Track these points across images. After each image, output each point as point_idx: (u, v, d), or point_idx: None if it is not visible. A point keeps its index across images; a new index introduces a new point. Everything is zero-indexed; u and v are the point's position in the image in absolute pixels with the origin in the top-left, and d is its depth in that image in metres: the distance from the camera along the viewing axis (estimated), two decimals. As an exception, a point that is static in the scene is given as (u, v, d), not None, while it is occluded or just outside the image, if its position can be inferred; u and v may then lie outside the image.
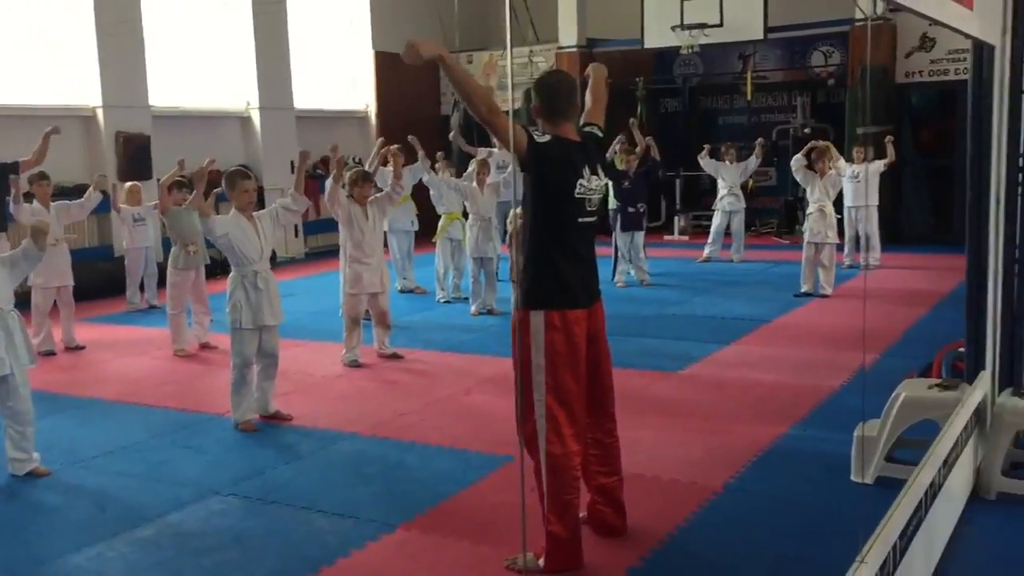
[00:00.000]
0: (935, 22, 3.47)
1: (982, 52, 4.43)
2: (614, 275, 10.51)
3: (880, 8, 2.68)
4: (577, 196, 3.65)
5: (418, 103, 15.69)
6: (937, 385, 4.53)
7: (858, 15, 12.21)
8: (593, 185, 3.70)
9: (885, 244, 11.25)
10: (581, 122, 4.00)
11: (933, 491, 3.48)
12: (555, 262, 3.65)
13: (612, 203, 10.34)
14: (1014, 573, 3.67)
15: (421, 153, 9.58)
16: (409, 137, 9.57)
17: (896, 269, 10.87)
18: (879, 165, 10.68)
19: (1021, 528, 3.98)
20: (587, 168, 3.69)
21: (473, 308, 9.04)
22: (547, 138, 3.62)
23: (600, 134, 4.01)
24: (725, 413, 5.72)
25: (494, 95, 15.91)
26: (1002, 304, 4.59)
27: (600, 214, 4.50)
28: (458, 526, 4.12)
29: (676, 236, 14.90)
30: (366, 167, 8.79)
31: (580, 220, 3.69)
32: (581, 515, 3.90)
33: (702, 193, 15.25)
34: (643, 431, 5.30)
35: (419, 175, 9.68)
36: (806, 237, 9.52)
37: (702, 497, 4.37)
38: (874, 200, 10.85)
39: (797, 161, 9.71)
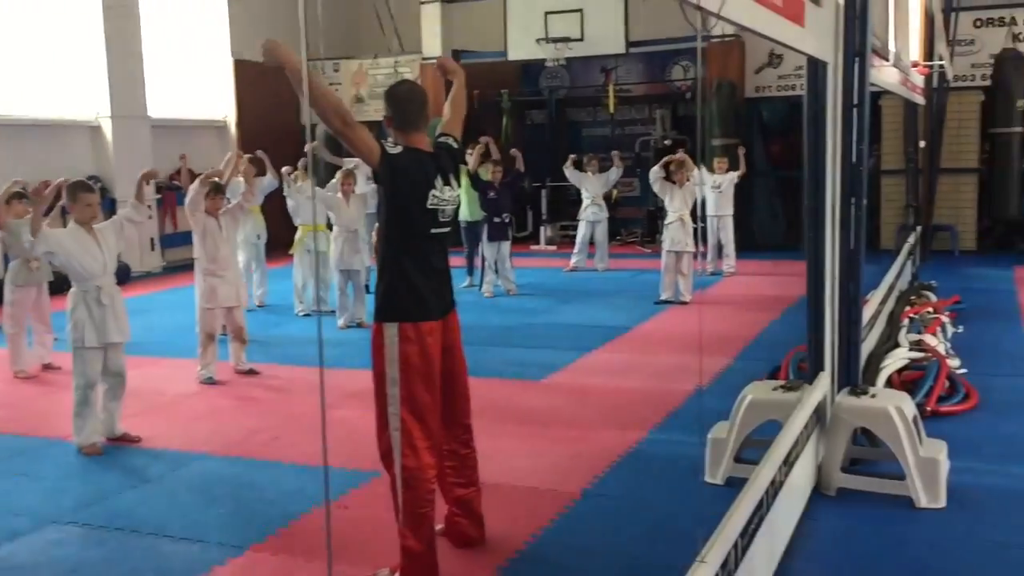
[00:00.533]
0: (768, 39, 3.62)
1: (816, 68, 4.65)
2: (481, 285, 10.56)
3: (711, 25, 2.76)
4: (430, 207, 3.63)
5: (279, 112, 15.33)
6: (781, 387, 4.71)
7: (715, 32, 12.70)
8: (446, 196, 3.69)
9: (740, 252, 11.69)
10: (437, 132, 3.99)
11: (774, 489, 3.61)
12: (408, 274, 3.62)
13: (464, 214, 10.45)
14: (853, 564, 3.84)
15: (270, 168, 9.35)
16: (258, 152, 9.32)
17: (750, 276, 11.31)
18: (733, 176, 11.11)
19: (860, 522, 4.17)
20: (440, 179, 3.68)
21: (340, 322, 8.89)
22: (399, 149, 3.60)
23: (456, 144, 4.00)
24: (586, 420, 5.80)
25: (363, 105, 15.77)
26: (839, 308, 4.83)
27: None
28: (312, 545, 4.02)
29: (543, 246, 15.08)
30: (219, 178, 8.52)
31: (433, 231, 3.68)
32: (438, 527, 3.88)
33: (569, 203, 15.49)
34: (504, 440, 5.32)
35: (270, 188, 9.47)
36: (664, 246, 9.78)
37: (560, 504, 4.41)
38: (729, 210, 11.26)
39: (655, 173, 9.97)
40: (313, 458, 5.14)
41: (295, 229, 9.53)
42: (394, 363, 3.59)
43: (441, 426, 3.78)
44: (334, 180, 9.22)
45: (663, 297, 9.75)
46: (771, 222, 13.89)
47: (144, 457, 5.30)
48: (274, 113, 15.09)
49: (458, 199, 3.84)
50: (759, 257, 12.53)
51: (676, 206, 9.70)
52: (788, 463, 3.88)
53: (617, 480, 4.75)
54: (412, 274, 3.62)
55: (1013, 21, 12.30)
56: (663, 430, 5.53)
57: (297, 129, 15.65)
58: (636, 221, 15.80)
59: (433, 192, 3.63)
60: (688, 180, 9.72)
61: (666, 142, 14.89)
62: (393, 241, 3.65)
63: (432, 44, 14.84)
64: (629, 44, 13.27)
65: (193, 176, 7.02)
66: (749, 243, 13.02)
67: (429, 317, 3.64)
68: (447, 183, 3.71)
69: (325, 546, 3.97)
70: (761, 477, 3.44)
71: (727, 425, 4.66)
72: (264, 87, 14.27)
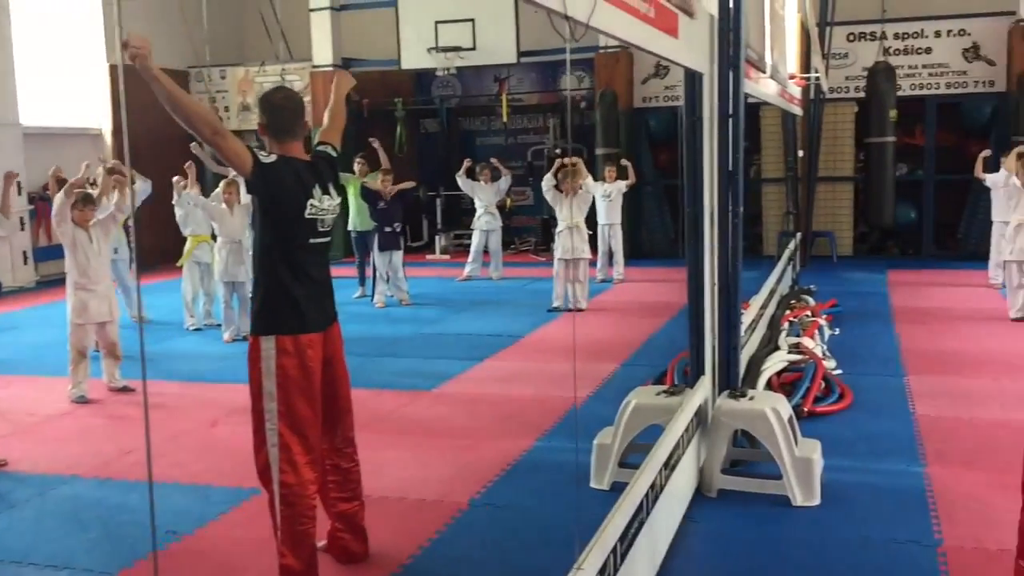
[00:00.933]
0: (641, 50, 3.68)
1: (693, 79, 4.76)
2: (373, 295, 10.45)
3: (579, 35, 2.80)
4: (308, 217, 3.57)
5: (157, 120, 14.78)
6: (664, 391, 4.80)
7: (602, 42, 12.90)
8: (325, 205, 3.63)
9: (629, 259, 11.88)
10: (315, 140, 3.93)
11: (655, 493, 3.66)
12: (286, 285, 3.54)
13: (353, 223, 10.39)
14: (731, 564, 3.93)
15: (140, 177, 9.03)
16: (114, 161, 8.96)
17: (639, 283, 11.51)
18: (622, 185, 11.29)
19: (739, 522, 4.27)
20: (318, 188, 3.62)
21: (226, 335, 8.65)
22: (273, 158, 3.52)
23: (334, 153, 3.94)
24: (475, 430, 5.78)
25: (250, 113, 15.41)
26: (719, 314, 4.95)
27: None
28: (187, 568, 3.88)
29: (438, 255, 15.03)
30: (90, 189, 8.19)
31: (312, 241, 3.61)
32: (320, 544, 3.80)
33: (463, 212, 15.51)
34: (392, 452, 5.26)
35: (144, 195, 9.15)
36: (556, 254, 9.86)
37: (447, 515, 4.38)
38: (618, 219, 11.44)
39: (547, 181, 10.06)
40: (198, 476, 4.98)
41: (182, 240, 9.22)
42: (271, 377, 3.51)
43: (323, 440, 3.71)
44: (217, 190, 8.98)
45: (555, 305, 9.83)
46: (660, 230, 14.17)
47: (9, 482, 5.03)
48: (151, 121, 14.53)
49: (338, 208, 3.78)
50: (648, 264, 12.77)
51: (567, 214, 9.79)
52: (669, 466, 3.95)
53: (505, 489, 4.74)
54: (290, 285, 3.54)
55: (883, 35, 12.88)
56: (552, 437, 5.56)
57: (182, 136, 15.21)
58: (530, 229, 15.92)
59: (311, 202, 3.57)
60: (580, 188, 9.82)
61: (559, 151, 15.05)
62: (270, 252, 3.57)
63: (323, 52, 14.63)
64: (521, 53, 13.35)
65: (61, 184, 6.71)
66: (638, 251, 13.26)
67: (308, 329, 3.57)
68: (326, 192, 3.66)
69: (198, 570, 3.84)
70: (641, 482, 3.48)
71: (612, 431, 4.71)
72: (146, 94, 13.78)
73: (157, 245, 11.26)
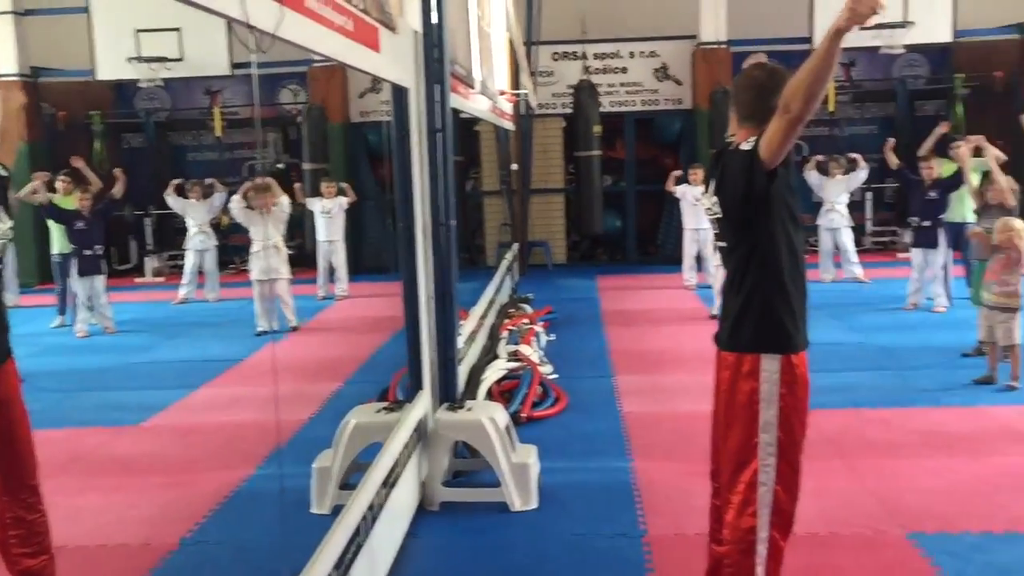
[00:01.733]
0: (339, 63, 3.62)
1: (400, 94, 4.76)
2: (74, 324, 9.59)
3: (266, 46, 2.73)
4: (-30, 242, 3.17)
5: None
6: (385, 408, 4.75)
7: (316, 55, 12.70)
8: (-7, 229, 3.25)
9: (353, 275, 11.77)
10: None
11: (374, 513, 3.60)
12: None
13: (57, 247, 9.53)
14: (454, 576, 3.96)
15: None
16: None
17: (363, 298, 11.42)
18: (343, 201, 11.15)
19: (460, 533, 4.30)
20: (-17, 210, 3.23)
21: None
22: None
23: (5, 172, 3.54)
24: (189, 463, 5.44)
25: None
26: (435, 327, 4.98)
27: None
28: None
29: (149, 278, 14.09)
30: None
31: (-25, 270, 3.22)
32: (2, 609, 3.39)
33: (176, 232, 14.64)
34: (91, 496, 4.82)
35: None
36: (252, 275, 9.32)
37: (155, 559, 4.07)
38: (340, 235, 11.28)
39: (236, 202, 9.52)
40: None
41: None
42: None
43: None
44: None
45: (260, 328, 9.35)
46: (383, 244, 14.17)
47: None
48: None
49: (10, 232, 3.40)
50: (372, 279, 12.71)
51: (263, 233, 9.38)
52: (389, 484, 3.90)
53: (220, 524, 4.49)
54: (-49, 320, 3.14)
55: (585, 55, 13.72)
56: (272, 464, 5.33)
57: None
58: (248, 248, 15.30)
59: (-25, 226, 3.18)
60: (275, 206, 9.41)
61: (278, 166, 14.65)
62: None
63: (6, 60, 13.28)
64: (235, 65, 12.87)
65: None
66: (362, 266, 13.17)
67: (-27, 369, 3.17)
68: (-7, 215, 3.28)
69: None
70: (357, 503, 3.41)
71: (332, 452, 4.59)
72: None
73: None
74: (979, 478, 4.76)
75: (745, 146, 2.96)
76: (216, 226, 12.07)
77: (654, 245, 14.34)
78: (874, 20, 2.58)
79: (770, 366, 3.00)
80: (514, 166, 12.43)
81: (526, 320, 8.48)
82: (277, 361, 8.17)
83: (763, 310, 3.01)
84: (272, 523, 4.45)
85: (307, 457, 5.08)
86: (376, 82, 13.90)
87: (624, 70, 14.02)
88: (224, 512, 4.64)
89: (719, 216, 3.14)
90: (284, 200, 9.56)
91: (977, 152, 8.25)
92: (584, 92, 13.11)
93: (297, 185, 12.03)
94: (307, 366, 7.83)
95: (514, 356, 6.97)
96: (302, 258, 11.78)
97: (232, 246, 14.05)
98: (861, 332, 8.41)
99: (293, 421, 6.15)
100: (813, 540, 3.99)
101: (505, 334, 7.68)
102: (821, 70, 2.66)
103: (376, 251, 14.09)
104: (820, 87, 2.68)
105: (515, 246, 12.03)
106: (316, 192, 11.59)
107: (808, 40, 12.71)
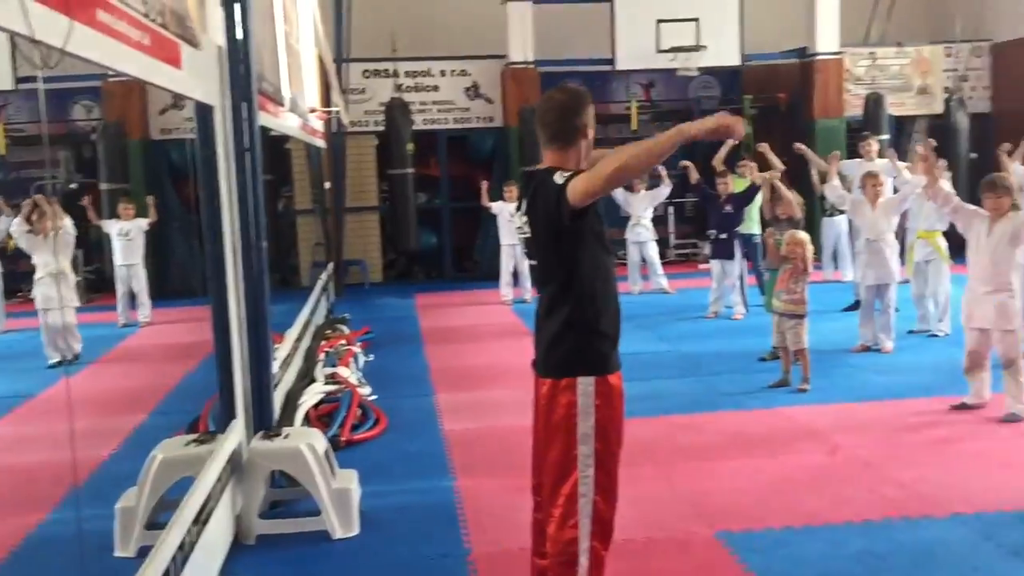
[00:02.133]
0: (137, 79, 3.43)
1: (205, 112, 4.57)
2: None
3: (54, 61, 2.56)
4: None
5: None
6: (195, 440, 4.52)
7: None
8: None
9: (157, 299, 11.17)
10: None
11: (185, 553, 3.41)
12: None
13: None
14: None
15: None
16: None
17: (168, 324, 10.86)
18: (142, 223, 10.57)
19: (278, 566, 4.16)
20: None
21: None
22: None
23: None
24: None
25: None
26: (248, 352, 4.79)
27: None
28: None
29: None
30: None
31: None
32: None
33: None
34: None
35: None
36: (37, 304, 8.65)
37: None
38: (139, 258, 10.67)
39: (17, 226, 8.84)
40: None
41: None
42: None
43: None
44: None
45: (53, 360, 8.68)
46: (189, 267, 13.55)
47: None
48: None
49: None
50: (179, 304, 12.10)
51: (46, 260, 8.74)
52: (200, 521, 3.71)
53: (11, 576, 4.12)
54: None
55: (396, 73, 13.69)
56: (68, 507, 4.94)
57: None
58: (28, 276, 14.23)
59: None
60: (57, 230, 8.78)
61: (72, 186, 13.73)
62: None
63: None
64: (19, 79, 12.02)
65: None
66: (167, 290, 12.53)
67: None
68: None
69: None
70: (166, 544, 3.23)
71: (136, 491, 4.32)
72: None
73: None
74: (779, 476, 5.07)
75: (558, 179, 3.02)
76: (1, 251, 11.15)
77: (471, 261, 14.46)
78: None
79: (586, 381, 3.08)
80: (327, 184, 12.21)
81: (343, 341, 8.33)
82: (73, 395, 7.61)
83: (577, 335, 3.09)
84: (71, 570, 4.14)
85: (109, 497, 4.76)
86: (178, 98, 13.32)
87: (436, 88, 14.09)
88: (12, 564, 4.27)
89: (528, 236, 3.21)
90: (68, 223, 8.93)
91: (762, 167, 8.86)
92: (396, 110, 13.09)
93: (86, 202, 11.24)
94: (108, 398, 7.34)
95: (332, 379, 6.82)
96: (102, 283, 11.08)
97: (21, 272, 13.05)
98: (668, 341, 8.80)
99: (91, 458, 5.74)
100: (631, 546, 4.12)
101: (322, 356, 7.51)
102: (652, 158, 2.90)
103: (182, 274, 13.43)
104: (643, 170, 3.05)
105: (330, 266, 11.81)
106: (114, 214, 10.93)
107: (610, 62, 13.32)
